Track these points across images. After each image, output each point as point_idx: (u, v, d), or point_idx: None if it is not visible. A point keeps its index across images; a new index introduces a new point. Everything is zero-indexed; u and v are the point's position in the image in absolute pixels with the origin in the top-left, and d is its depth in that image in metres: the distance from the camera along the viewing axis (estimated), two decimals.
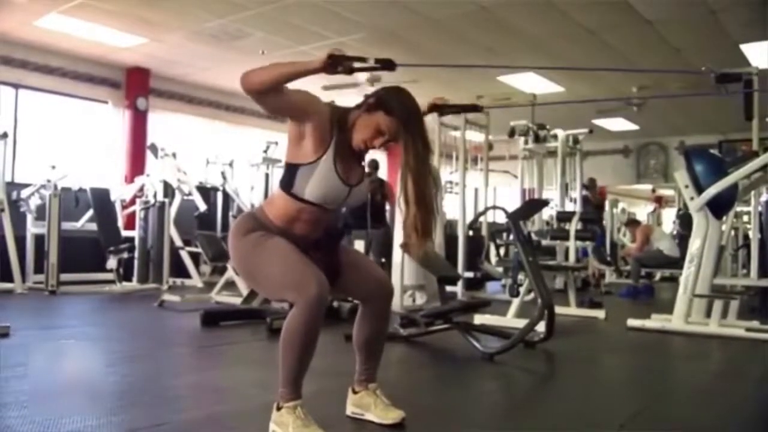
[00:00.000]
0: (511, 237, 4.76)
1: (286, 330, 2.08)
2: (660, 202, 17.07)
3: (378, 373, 2.41)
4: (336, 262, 2.26)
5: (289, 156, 2.15)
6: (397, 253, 5.59)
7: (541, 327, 4.00)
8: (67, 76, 9.11)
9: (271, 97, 2.02)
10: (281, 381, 2.12)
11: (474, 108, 2.86)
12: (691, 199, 5.03)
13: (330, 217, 2.26)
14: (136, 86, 9.74)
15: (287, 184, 2.15)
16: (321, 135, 2.10)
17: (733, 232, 8.54)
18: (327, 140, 2.11)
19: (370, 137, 2.14)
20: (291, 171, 2.14)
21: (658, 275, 10.27)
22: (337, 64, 2.03)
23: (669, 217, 14.71)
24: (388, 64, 2.20)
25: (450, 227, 8.59)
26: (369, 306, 2.34)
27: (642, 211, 16.40)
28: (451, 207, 8.59)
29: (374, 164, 8.14)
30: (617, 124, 12.60)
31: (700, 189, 4.97)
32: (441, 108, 2.58)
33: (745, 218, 9.62)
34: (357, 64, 2.11)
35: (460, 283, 6.96)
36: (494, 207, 4.97)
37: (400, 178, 2.14)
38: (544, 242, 7.68)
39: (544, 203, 6.85)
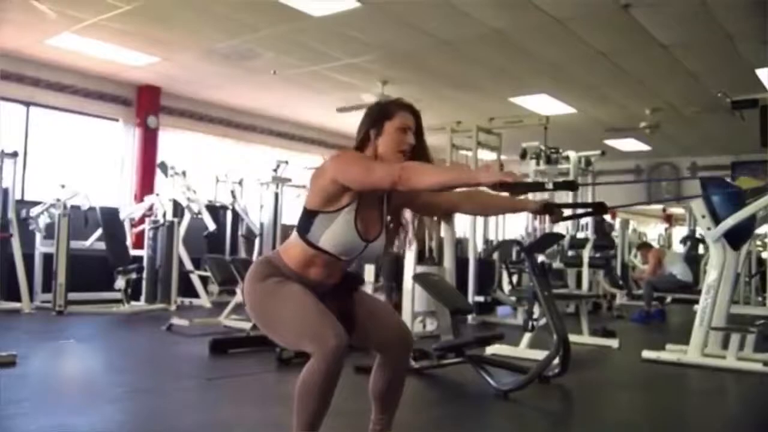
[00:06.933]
0: (525, 264, 4.69)
1: (303, 381, 2.00)
2: (670, 221, 16.94)
3: None
4: (353, 311, 2.19)
5: (310, 203, 2.10)
6: (407, 279, 5.52)
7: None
8: (78, 93, 9.12)
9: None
10: (296, 429, 2.04)
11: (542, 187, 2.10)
12: (708, 229, 4.95)
13: (345, 266, 2.20)
14: (146, 104, 9.75)
15: (303, 229, 2.10)
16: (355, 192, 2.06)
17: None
18: (355, 193, 2.06)
19: (399, 140, 2.11)
20: (309, 216, 2.09)
21: (669, 297, 10.15)
22: (507, 189, 1.88)
23: (679, 236, 14.59)
24: (570, 186, 2.04)
25: (461, 248, 8.52)
26: (387, 355, 2.27)
27: (653, 231, 16.30)
28: (461, 227, 8.51)
29: None
30: (629, 144, 12.53)
31: (717, 219, 4.88)
32: (511, 187, 1.92)
33: (758, 242, 9.51)
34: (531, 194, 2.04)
35: None
36: (511, 241, 4.89)
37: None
38: (555, 265, 7.61)
39: (560, 237, 6.76)
